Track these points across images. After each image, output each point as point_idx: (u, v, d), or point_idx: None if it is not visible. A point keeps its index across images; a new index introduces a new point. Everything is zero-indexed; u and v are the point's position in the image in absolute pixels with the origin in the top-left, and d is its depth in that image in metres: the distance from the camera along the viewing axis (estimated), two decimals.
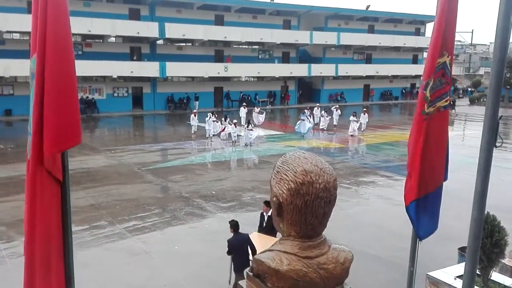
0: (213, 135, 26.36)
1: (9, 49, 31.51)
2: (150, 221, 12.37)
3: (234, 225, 8.16)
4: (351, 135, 27.86)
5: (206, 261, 9.92)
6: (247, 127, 24.63)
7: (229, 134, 25.04)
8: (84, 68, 33.55)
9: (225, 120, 26.64)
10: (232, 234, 8.29)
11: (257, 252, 7.81)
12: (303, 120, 27.10)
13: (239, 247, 8.02)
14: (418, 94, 4.18)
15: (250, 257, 7.98)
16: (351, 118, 28.40)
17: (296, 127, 27.40)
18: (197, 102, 39.14)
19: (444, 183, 4.38)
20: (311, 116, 30.05)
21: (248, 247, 8.05)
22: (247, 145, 23.99)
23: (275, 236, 8.87)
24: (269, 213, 9.28)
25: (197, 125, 27.44)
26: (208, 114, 27.01)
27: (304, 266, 1.72)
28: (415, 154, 4.09)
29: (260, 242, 8.77)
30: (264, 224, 9.51)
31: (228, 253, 8.30)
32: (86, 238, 10.98)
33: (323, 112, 31.55)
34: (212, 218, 12.82)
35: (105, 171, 17.91)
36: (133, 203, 13.80)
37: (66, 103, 2.34)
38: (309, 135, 27.68)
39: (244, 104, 35.13)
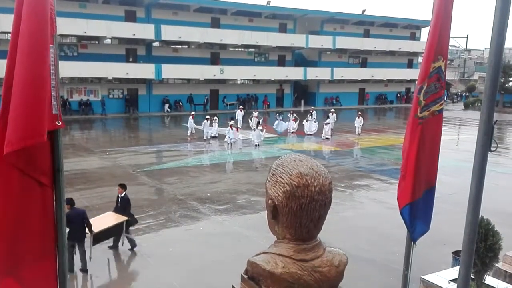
0: (212, 137, 26.60)
1: (2, 49, 31.40)
2: (145, 223, 12.32)
3: (70, 201, 9.23)
4: (326, 138, 27.86)
5: (200, 264, 9.89)
6: (257, 127, 25.79)
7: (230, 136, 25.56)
8: (79, 69, 33.56)
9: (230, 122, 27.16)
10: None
11: (92, 227, 9.31)
12: (281, 120, 29.71)
13: (75, 220, 9.13)
14: (413, 98, 4.20)
15: (87, 230, 9.42)
16: (327, 120, 28.89)
17: (274, 127, 29.59)
18: (166, 105, 39.14)
19: (437, 187, 4.40)
20: (284, 119, 30.84)
21: (85, 222, 9.32)
22: (256, 145, 24.65)
23: (126, 216, 10.45)
24: (122, 195, 10.68)
25: (194, 127, 27.38)
26: (207, 117, 27.19)
27: (299, 269, 1.71)
28: (409, 158, 4.11)
29: (113, 219, 10.37)
30: (119, 205, 10.72)
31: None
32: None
33: (308, 116, 31.56)
34: (207, 220, 12.80)
35: (99, 173, 17.84)
36: None
37: (29, 103, 2.32)
38: (285, 133, 29.50)
39: (241, 106, 35.22)
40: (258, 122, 27.15)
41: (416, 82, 4.16)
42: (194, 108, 39.33)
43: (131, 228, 10.85)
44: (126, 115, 37.09)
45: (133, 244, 10.57)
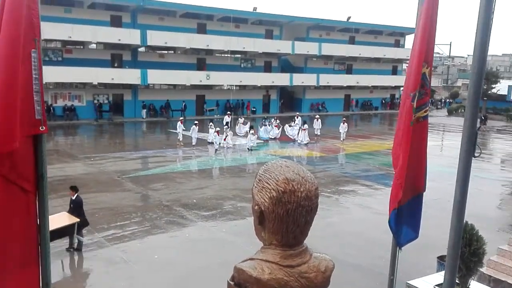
0: (208, 142, 26.79)
1: None
2: (130, 229, 12.21)
3: None
4: (306, 144, 27.98)
5: (186, 270, 9.82)
6: (249, 131, 26.36)
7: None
8: (64, 74, 33.26)
9: (228, 127, 27.68)
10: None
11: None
12: (266, 125, 30.19)
13: None
14: (404, 105, 4.19)
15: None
16: (304, 126, 29.05)
17: (260, 134, 29.39)
18: (144, 110, 38.75)
19: (423, 192, 4.43)
20: (270, 125, 30.87)
21: None
22: (249, 149, 25.23)
23: (77, 217, 10.68)
24: (74, 197, 10.99)
25: (183, 134, 27.23)
26: (196, 122, 27.18)
27: (285, 275, 1.71)
28: (403, 165, 4.13)
29: (65, 220, 10.59)
30: (71, 206, 11.01)
31: None
32: (64, 246, 10.77)
33: (292, 122, 31.68)
34: (193, 226, 12.73)
35: (84, 179, 17.62)
36: (112, 212, 13.61)
37: (0, 109, 2.29)
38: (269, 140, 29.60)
39: (229, 112, 35.23)
40: (251, 127, 27.59)
41: (406, 89, 4.17)
42: (172, 114, 39.14)
43: (84, 229, 11.09)
44: (103, 122, 36.55)
45: (80, 246, 10.79)
